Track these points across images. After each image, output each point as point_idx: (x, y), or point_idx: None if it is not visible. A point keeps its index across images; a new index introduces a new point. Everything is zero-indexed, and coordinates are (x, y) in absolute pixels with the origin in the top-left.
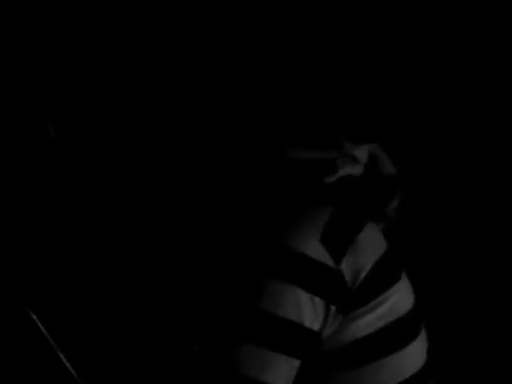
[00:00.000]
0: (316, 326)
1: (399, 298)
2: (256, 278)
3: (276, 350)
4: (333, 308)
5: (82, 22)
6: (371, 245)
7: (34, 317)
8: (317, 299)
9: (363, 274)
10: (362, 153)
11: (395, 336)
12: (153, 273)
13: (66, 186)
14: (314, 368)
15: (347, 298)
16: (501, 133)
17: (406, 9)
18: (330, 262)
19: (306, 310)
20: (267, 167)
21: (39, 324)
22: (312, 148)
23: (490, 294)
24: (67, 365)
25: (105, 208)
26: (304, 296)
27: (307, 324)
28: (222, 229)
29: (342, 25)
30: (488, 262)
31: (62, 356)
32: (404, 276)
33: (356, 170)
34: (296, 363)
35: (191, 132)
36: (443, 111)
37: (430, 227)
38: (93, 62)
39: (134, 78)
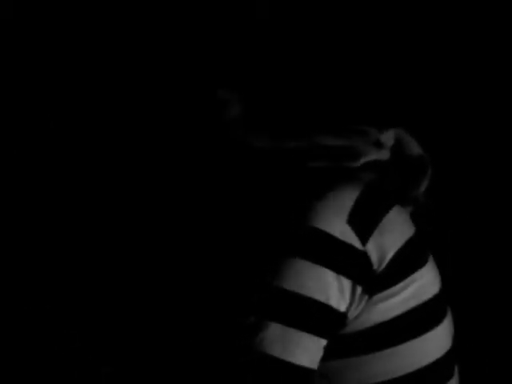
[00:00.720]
0: (342, 307)
1: (425, 283)
2: (282, 259)
3: (302, 330)
4: (359, 288)
5: (82, 22)
6: (398, 227)
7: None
8: (343, 279)
9: (389, 256)
10: (387, 138)
11: (419, 320)
12: (176, 256)
13: (68, 182)
14: (334, 351)
15: (373, 279)
16: (501, 133)
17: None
18: (357, 243)
19: (333, 289)
20: (293, 153)
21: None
22: (336, 136)
23: (490, 293)
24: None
25: (106, 204)
26: (330, 276)
27: (334, 304)
28: (249, 212)
29: (343, 23)
30: (488, 261)
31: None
32: (431, 260)
33: (382, 155)
34: (322, 343)
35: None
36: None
37: (431, 227)
38: (93, 61)
39: (135, 78)
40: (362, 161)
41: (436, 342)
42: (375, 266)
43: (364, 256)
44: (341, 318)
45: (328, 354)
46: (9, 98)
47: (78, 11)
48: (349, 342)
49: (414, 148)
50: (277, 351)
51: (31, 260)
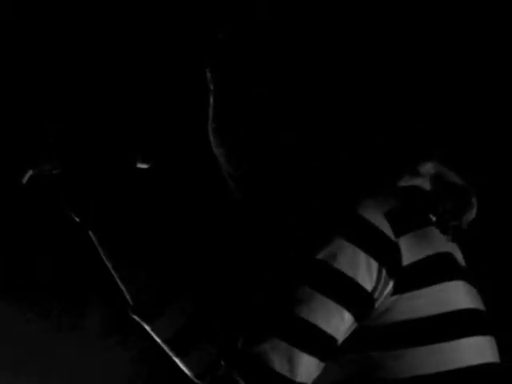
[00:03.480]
0: (368, 286)
1: (451, 295)
2: (321, 235)
3: (329, 297)
4: (384, 272)
5: (82, 22)
6: (432, 240)
7: None
8: (372, 261)
9: (418, 258)
10: (426, 168)
11: (438, 328)
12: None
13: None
14: (357, 344)
15: (400, 272)
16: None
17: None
18: (390, 234)
19: (361, 268)
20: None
21: None
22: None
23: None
24: None
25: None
26: (361, 255)
27: (360, 281)
28: (312, 203)
29: (343, 24)
30: (488, 262)
31: None
32: (465, 280)
33: (420, 183)
34: (347, 317)
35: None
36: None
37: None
38: (93, 61)
39: (134, 77)
40: (409, 182)
41: (456, 355)
42: (404, 261)
43: (395, 246)
44: (365, 294)
45: (351, 347)
46: (9, 98)
47: (78, 11)
48: (372, 336)
49: (455, 178)
50: (303, 312)
51: None
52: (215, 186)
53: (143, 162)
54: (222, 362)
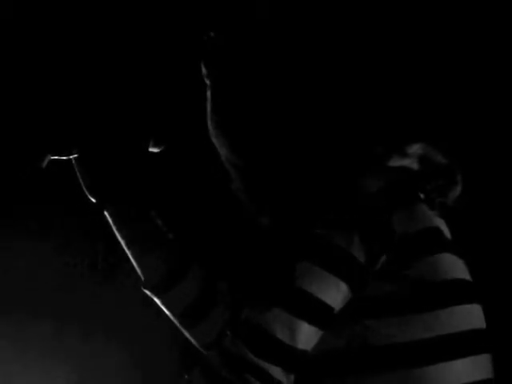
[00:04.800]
0: (362, 258)
1: (441, 266)
2: (321, 214)
3: (326, 270)
4: (378, 247)
5: (82, 21)
6: (423, 216)
7: None
8: (364, 239)
9: (409, 232)
10: (414, 149)
11: (431, 296)
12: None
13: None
14: (353, 315)
15: (392, 245)
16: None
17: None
18: (385, 213)
19: (355, 243)
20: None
21: None
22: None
23: (490, 293)
24: None
25: None
26: (355, 234)
27: (355, 254)
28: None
29: (343, 24)
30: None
31: None
32: (454, 253)
33: (409, 163)
34: (343, 288)
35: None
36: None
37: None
38: (93, 61)
39: (133, 77)
40: (398, 163)
41: (445, 321)
42: (397, 235)
43: (388, 224)
44: (359, 266)
45: (348, 316)
46: (9, 98)
47: (78, 11)
48: (367, 306)
49: (441, 158)
50: (303, 284)
51: None
52: (220, 171)
53: (155, 146)
54: (228, 332)
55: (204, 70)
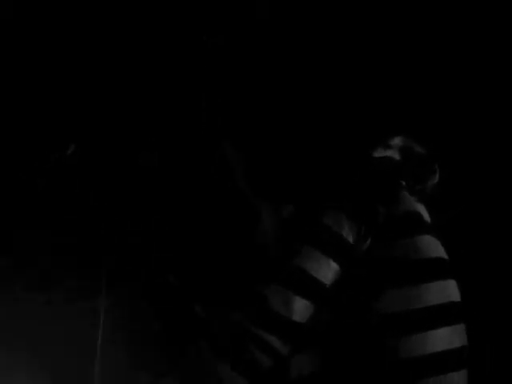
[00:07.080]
0: (350, 239)
1: (421, 245)
2: (316, 201)
3: (318, 249)
4: (363, 229)
5: (82, 21)
6: (404, 201)
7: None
8: (352, 222)
9: (392, 215)
10: (395, 142)
11: (418, 270)
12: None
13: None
14: (345, 290)
15: (376, 227)
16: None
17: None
18: (373, 198)
19: (345, 225)
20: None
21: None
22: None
23: (490, 293)
24: None
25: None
26: (344, 217)
27: (345, 235)
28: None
29: (342, 24)
30: (487, 261)
31: None
32: (433, 234)
33: (391, 154)
34: (333, 265)
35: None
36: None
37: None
38: (92, 61)
39: (132, 76)
40: (381, 154)
41: (425, 295)
42: (381, 218)
43: (375, 208)
44: (348, 247)
45: (340, 291)
46: (9, 98)
47: (78, 11)
48: (357, 281)
49: (420, 149)
50: (301, 263)
51: None
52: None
53: (147, 161)
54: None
55: (199, 76)
